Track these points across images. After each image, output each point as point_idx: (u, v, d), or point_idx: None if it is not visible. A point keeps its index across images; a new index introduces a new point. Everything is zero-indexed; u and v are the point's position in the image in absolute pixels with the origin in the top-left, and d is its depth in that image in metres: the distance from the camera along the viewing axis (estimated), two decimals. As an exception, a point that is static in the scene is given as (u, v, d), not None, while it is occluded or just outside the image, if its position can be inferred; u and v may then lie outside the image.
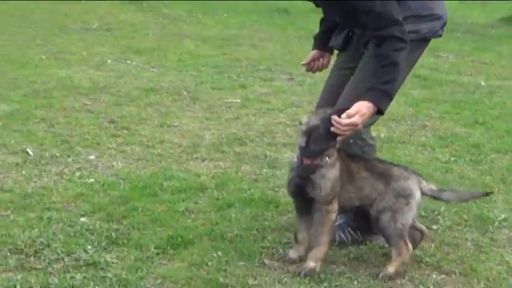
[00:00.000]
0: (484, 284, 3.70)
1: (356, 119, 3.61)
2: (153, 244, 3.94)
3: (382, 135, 6.29)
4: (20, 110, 6.58)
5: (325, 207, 3.73)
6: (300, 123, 3.81)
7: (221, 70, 9.13)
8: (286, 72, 9.27)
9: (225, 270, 3.69)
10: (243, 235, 4.14)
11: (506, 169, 5.65)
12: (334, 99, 4.05)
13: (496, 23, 15.98)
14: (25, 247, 3.82)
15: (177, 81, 8.32)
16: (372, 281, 3.66)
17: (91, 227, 4.14)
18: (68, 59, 9.29)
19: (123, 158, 5.49)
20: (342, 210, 3.92)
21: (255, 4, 16.35)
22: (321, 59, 4.33)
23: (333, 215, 3.76)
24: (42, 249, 3.82)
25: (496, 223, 4.52)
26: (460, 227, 4.44)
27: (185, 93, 7.71)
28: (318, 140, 3.70)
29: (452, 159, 5.87)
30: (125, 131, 6.18)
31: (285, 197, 4.75)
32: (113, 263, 3.71)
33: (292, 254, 3.89)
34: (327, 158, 3.71)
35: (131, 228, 4.15)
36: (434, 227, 4.40)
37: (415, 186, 3.79)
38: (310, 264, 3.71)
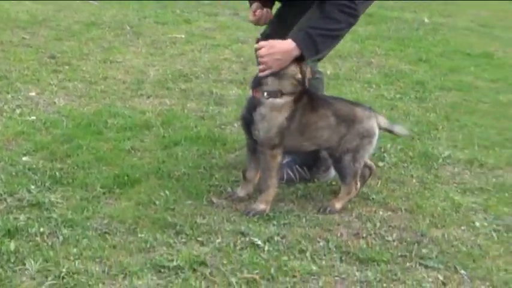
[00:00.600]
0: (429, 220, 3.74)
1: (262, 51, 3.58)
2: (98, 183, 3.86)
3: (328, 72, 6.26)
4: (-45, 45, 6.36)
5: (269, 152, 3.68)
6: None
7: (165, 4, 8.94)
8: (231, 7, 9.12)
9: (173, 209, 3.65)
10: (190, 173, 4.09)
11: (450, 106, 5.71)
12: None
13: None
14: (-35, 187, 3.71)
15: (119, 16, 8.11)
16: (320, 219, 3.67)
17: (34, 166, 4.03)
18: (4, -9, 8.97)
19: (65, 94, 5.35)
20: (294, 152, 3.91)
21: None
22: (265, 10, 4.13)
23: (278, 159, 3.71)
24: (-17, 189, 3.71)
25: (440, 160, 4.57)
26: (405, 164, 4.48)
27: (128, 28, 7.53)
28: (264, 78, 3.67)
29: (398, 96, 5.91)
30: (66, 67, 6.02)
31: (232, 134, 4.73)
32: (57, 203, 3.62)
33: (240, 192, 3.87)
34: (265, 95, 3.64)
35: (76, 168, 4.06)
36: (381, 164, 4.42)
37: (375, 125, 3.79)
38: (260, 206, 3.69)
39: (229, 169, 4.19)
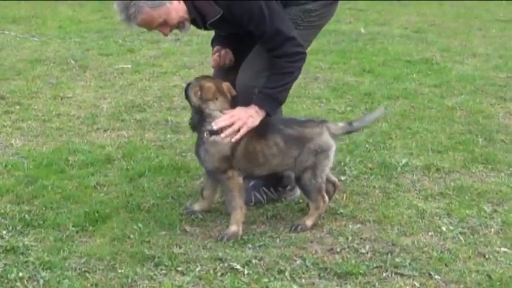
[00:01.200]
0: (398, 229, 3.86)
1: (236, 126, 3.71)
2: (70, 222, 3.86)
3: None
4: None
5: (222, 176, 3.79)
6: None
7: (105, 35, 8.95)
8: (172, 33, 9.15)
9: (148, 241, 3.68)
10: (160, 204, 4.14)
11: (400, 115, 5.87)
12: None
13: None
14: None
15: (62, 50, 8.09)
16: (293, 237, 3.76)
17: (2, 210, 4.01)
18: None
19: (20, 135, 5.32)
20: (249, 177, 4.01)
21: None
22: (223, 51, 4.15)
23: (237, 179, 3.79)
24: (-45, 239, 3.68)
25: (399, 168, 4.71)
26: (366, 176, 4.61)
27: (73, 62, 7.52)
28: (196, 114, 3.82)
29: (349, 109, 6.05)
30: (17, 107, 5.99)
31: (193, 161, 4.77)
32: (32, 246, 3.62)
33: (196, 206, 4.02)
34: (206, 135, 3.75)
35: (44, 209, 4.06)
36: (343, 177, 4.54)
37: (328, 139, 3.86)
38: (232, 228, 3.77)
39: (196, 196, 4.23)
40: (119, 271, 3.39)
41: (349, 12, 11.33)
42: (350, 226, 3.91)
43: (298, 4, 3.94)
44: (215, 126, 3.72)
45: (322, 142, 3.84)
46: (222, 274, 3.39)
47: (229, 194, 3.82)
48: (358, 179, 4.56)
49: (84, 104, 6.10)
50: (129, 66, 7.38)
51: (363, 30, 9.96)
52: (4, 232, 3.76)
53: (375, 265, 3.47)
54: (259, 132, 3.80)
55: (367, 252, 3.60)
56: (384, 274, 3.40)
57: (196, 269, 3.42)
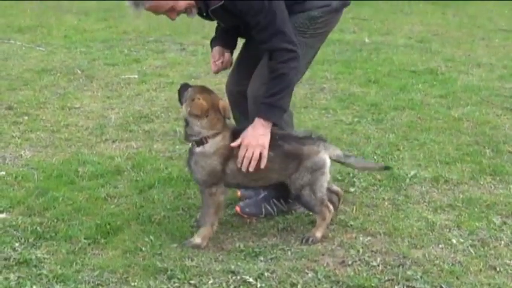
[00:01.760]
0: (408, 241, 3.88)
1: (250, 153, 3.74)
2: (82, 235, 3.88)
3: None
4: None
5: (207, 190, 3.83)
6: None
7: (111, 45, 8.98)
8: (177, 42, 9.23)
9: (160, 254, 3.70)
10: (170, 216, 4.16)
11: (407, 126, 5.90)
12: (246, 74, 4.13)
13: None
14: None
15: (68, 60, 8.12)
16: (304, 250, 3.77)
17: (13, 223, 4.02)
18: None
19: (29, 146, 5.35)
20: (245, 188, 4.09)
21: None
22: (226, 55, 4.24)
23: (218, 197, 3.83)
24: (-33, 252, 3.69)
25: (408, 180, 4.73)
26: (375, 187, 4.62)
27: (79, 72, 7.55)
28: (187, 126, 3.82)
29: (356, 120, 6.07)
30: (26, 117, 6.01)
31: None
32: (44, 258, 3.63)
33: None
34: (192, 145, 3.80)
35: (56, 220, 4.07)
36: (352, 189, 4.56)
37: (324, 156, 3.89)
38: (196, 240, 3.81)
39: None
40: (132, 284, 3.41)
41: (352, 22, 11.36)
42: (361, 238, 3.92)
43: (304, 10, 4.00)
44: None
45: (318, 160, 3.87)
46: (235, 287, 3.40)
47: (206, 209, 3.88)
48: (367, 190, 4.58)
49: (92, 115, 6.12)
50: (136, 76, 7.41)
51: (367, 40, 9.99)
52: (17, 244, 3.77)
53: (386, 278, 3.48)
54: None
55: (379, 265, 3.62)
56: (396, 287, 3.42)
57: (209, 282, 3.44)
